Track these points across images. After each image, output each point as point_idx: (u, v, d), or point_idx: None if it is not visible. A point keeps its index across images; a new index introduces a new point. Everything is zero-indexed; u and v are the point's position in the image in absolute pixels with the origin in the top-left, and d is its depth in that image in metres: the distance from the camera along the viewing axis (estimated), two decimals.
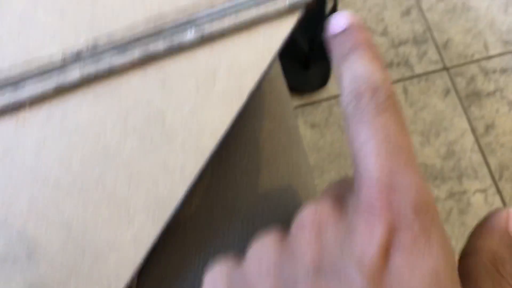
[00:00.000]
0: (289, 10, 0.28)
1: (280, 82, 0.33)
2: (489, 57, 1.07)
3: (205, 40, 0.28)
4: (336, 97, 1.02)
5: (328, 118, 1.01)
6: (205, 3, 0.28)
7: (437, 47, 1.07)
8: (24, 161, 0.26)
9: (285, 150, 0.30)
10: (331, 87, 1.03)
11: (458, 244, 0.94)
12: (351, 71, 0.22)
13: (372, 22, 1.08)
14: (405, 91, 1.03)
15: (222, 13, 0.28)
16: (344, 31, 0.25)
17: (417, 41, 1.07)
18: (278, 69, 0.34)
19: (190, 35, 0.27)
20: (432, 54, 1.06)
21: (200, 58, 0.27)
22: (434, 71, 1.05)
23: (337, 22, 0.26)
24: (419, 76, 1.05)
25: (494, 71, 1.06)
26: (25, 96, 0.27)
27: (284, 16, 0.28)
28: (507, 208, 0.22)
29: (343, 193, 0.21)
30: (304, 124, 1.01)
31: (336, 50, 0.25)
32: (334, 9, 1.04)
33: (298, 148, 0.32)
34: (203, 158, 0.26)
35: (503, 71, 1.06)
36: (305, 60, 1.02)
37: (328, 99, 1.03)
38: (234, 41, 0.28)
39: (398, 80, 1.04)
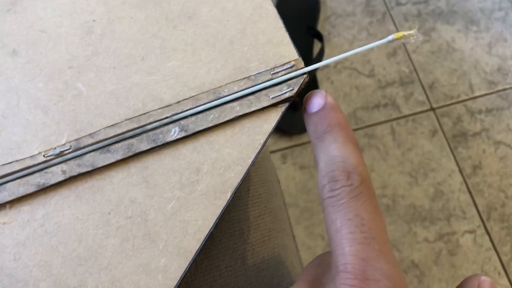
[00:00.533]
0: (273, 105, 0.29)
1: (267, 164, 0.33)
2: (474, 98, 1.08)
3: (188, 136, 0.28)
4: None
5: None
6: (190, 100, 0.28)
7: (423, 88, 1.08)
8: (3, 264, 0.26)
9: (271, 235, 0.30)
10: None
11: (448, 287, 0.94)
12: (326, 153, 0.23)
13: (358, 63, 1.10)
14: (393, 132, 1.04)
15: (206, 110, 0.28)
16: (319, 111, 0.26)
17: (404, 82, 1.09)
18: (265, 152, 0.34)
19: (174, 133, 0.27)
20: (419, 95, 1.07)
21: (184, 154, 0.27)
22: (421, 112, 1.06)
23: (313, 102, 0.26)
24: (406, 117, 1.06)
25: (480, 112, 1.07)
26: (5, 197, 0.26)
27: (267, 111, 0.28)
28: (479, 275, 0.23)
29: (319, 277, 0.21)
30: (293, 166, 1.01)
31: (311, 130, 0.25)
32: (321, 52, 1.05)
33: (284, 227, 0.32)
34: (186, 260, 0.26)
35: (488, 111, 1.07)
36: (293, 103, 1.02)
37: None
38: (218, 136, 0.28)
39: (386, 121, 1.05)
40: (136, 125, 0.27)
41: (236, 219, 0.30)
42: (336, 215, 0.21)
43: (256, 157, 0.28)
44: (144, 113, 0.28)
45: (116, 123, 0.28)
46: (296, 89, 0.29)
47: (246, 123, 0.28)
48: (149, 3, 0.31)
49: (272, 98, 0.28)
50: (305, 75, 0.29)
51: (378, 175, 1.01)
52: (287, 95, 0.29)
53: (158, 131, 0.27)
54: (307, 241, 0.96)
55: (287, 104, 0.29)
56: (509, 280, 0.95)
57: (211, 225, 0.26)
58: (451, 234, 0.98)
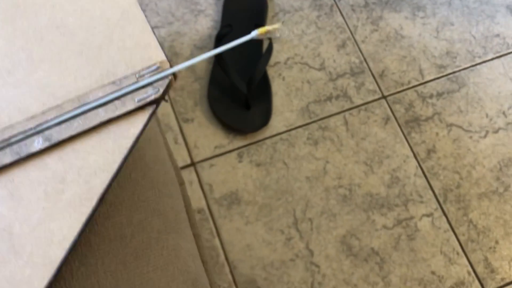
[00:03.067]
0: (139, 108, 0.29)
1: (159, 166, 0.34)
2: (425, 83, 1.09)
3: (54, 146, 0.28)
4: (279, 134, 1.03)
5: (272, 155, 1.02)
6: (54, 109, 0.28)
7: (373, 77, 1.09)
8: None
9: (159, 237, 0.31)
10: (273, 125, 1.04)
11: (409, 271, 0.95)
12: None
13: (309, 57, 1.10)
14: (346, 122, 1.05)
15: (71, 118, 0.28)
16: None
17: (354, 72, 1.09)
18: (160, 152, 0.34)
19: (38, 144, 0.28)
20: (369, 84, 1.08)
21: (49, 164, 0.28)
22: (372, 101, 1.07)
23: None
24: (358, 106, 1.07)
25: (431, 96, 1.08)
26: None
27: (134, 114, 0.29)
28: None
29: None
30: (250, 164, 1.01)
31: None
32: (269, 49, 1.05)
33: (179, 228, 0.32)
34: (51, 269, 0.26)
35: (439, 94, 1.08)
36: (245, 101, 1.03)
37: (271, 137, 1.03)
38: (83, 144, 0.28)
39: (338, 113, 1.06)
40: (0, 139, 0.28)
41: (118, 224, 0.31)
42: None
43: (123, 162, 0.28)
44: (9, 126, 0.28)
45: None
46: (162, 90, 0.29)
47: (112, 128, 0.28)
48: (16, 16, 0.31)
49: (138, 101, 0.29)
50: (170, 76, 0.29)
51: (333, 166, 1.02)
52: (153, 97, 0.29)
53: (22, 143, 0.27)
54: (267, 237, 0.96)
55: (154, 106, 0.29)
56: (467, 259, 0.96)
57: (76, 232, 0.26)
58: (409, 219, 0.99)
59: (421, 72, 1.10)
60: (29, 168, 0.27)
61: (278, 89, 1.08)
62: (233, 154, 1.03)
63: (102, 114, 0.28)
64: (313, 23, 1.14)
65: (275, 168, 1.01)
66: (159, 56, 0.29)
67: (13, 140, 0.27)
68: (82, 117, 0.28)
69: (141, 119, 0.28)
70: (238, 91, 1.03)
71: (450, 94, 1.09)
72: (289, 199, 0.99)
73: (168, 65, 0.29)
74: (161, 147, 0.31)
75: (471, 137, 1.05)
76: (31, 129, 0.28)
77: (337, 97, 1.07)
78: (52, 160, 0.27)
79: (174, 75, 0.29)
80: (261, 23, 1.11)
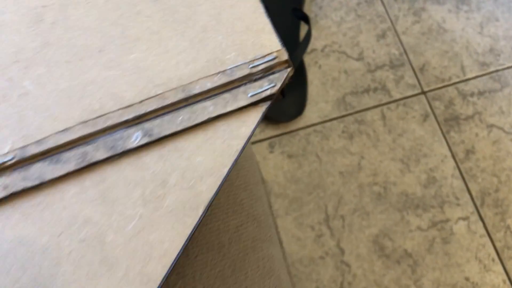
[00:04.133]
0: (252, 104, 0.25)
1: (249, 164, 0.30)
2: (466, 80, 1.05)
3: (154, 142, 0.24)
4: (313, 125, 0.99)
5: (305, 147, 0.98)
6: (154, 99, 0.24)
7: (414, 70, 1.05)
8: None
9: (255, 245, 0.27)
10: (307, 116, 1.00)
11: (442, 275, 0.91)
12: None
13: (347, 46, 1.05)
14: (383, 117, 1.00)
15: (174, 110, 0.24)
16: None
17: (394, 65, 1.05)
18: (247, 149, 0.30)
19: (136, 139, 0.23)
20: (409, 78, 1.04)
21: (148, 164, 0.23)
22: (412, 96, 1.03)
23: None
24: (396, 101, 1.02)
25: (472, 94, 1.04)
26: None
27: (246, 111, 0.24)
28: None
29: None
30: (281, 155, 0.97)
31: None
32: (308, 36, 1.00)
33: (270, 235, 0.28)
34: None
35: (481, 93, 1.04)
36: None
37: (304, 128, 0.99)
38: (188, 142, 0.24)
39: (376, 106, 1.01)
40: (91, 130, 0.23)
41: (215, 230, 0.27)
42: None
43: (232, 166, 0.24)
44: (101, 115, 0.24)
45: (69, 128, 0.23)
46: (279, 85, 0.25)
47: (221, 126, 0.24)
48: None
49: (251, 96, 0.24)
50: (289, 69, 0.25)
51: (368, 162, 0.97)
52: (269, 92, 0.25)
53: (117, 136, 0.23)
54: (296, 232, 0.93)
55: (268, 103, 0.25)
56: (503, 266, 0.93)
57: (179, 247, 0.22)
58: (444, 222, 0.95)
59: (462, 68, 1.06)
60: (123, 167, 0.23)
61: (313, 77, 1.03)
62: (265, 143, 0.98)
63: (211, 109, 0.24)
64: (353, 10, 1.09)
65: (308, 161, 0.97)
66: (274, 43, 0.25)
67: (107, 132, 0.23)
68: (188, 110, 0.24)
69: (253, 117, 0.24)
70: None
71: (492, 94, 1.04)
72: (321, 194, 0.95)
73: (286, 55, 0.25)
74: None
75: None
76: (128, 121, 0.23)
77: (375, 89, 1.03)
78: (151, 159, 0.23)
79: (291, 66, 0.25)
80: (299, 6, 1.06)
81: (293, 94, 1.00)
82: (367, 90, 1.03)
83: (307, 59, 1.04)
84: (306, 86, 1.01)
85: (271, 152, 0.97)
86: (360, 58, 1.05)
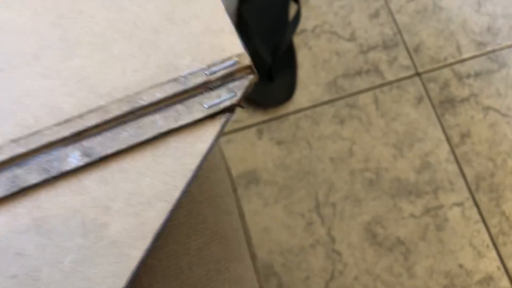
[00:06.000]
0: (209, 116, 0.22)
1: (215, 175, 0.27)
2: (462, 60, 1.01)
3: (95, 163, 0.21)
4: (303, 110, 0.96)
5: (295, 133, 0.95)
6: (96, 113, 0.21)
7: (408, 51, 1.01)
8: None
9: (220, 268, 0.24)
10: (297, 100, 0.97)
11: (435, 263, 0.90)
12: None
13: (338, 26, 1.02)
14: (376, 100, 0.97)
15: (119, 124, 0.21)
16: None
17: (387, 45, 1.01)
18: (214, 155, 0.27)
19: (74, 159, 0.20)
20: (403, 59, 1.00)
21: (87, 187, 0.21)
22: (405, 78, 0.99)
23: None
24: (390, 83, 0.99)
25: (468, 75, 1.00)
26: None
27: (202, 124, 0.22)
28: None
29: None
30: (270, 141, 0.94)
31: None
32: (297, 15, 0.97)
33: (238, 254, 0.26)
34: None
35: (477, 74, 1.00)
36: (269, 72, 0.95)
37: (294, 112, 0.96)
38: (134, 162, 0.21)
39: (368, 89, 0.98)
40: (23, 149, 0.20)
41: (173, 255, 0.24)
42: None
43: (186, 188, 0.21)
44: (35, 132, 0.21)
45: None
46: (240, 95, 0.22)
47: (173, 142, 0.21)
48: None
49: (207, 107, 0.21)
50: (251, 76, 0.22)
51: (360, 148, 0.95)
52: (228, 103, 0.22)
53: (52, 157, 0.20)
54: (286, 220, 0.91)
55: (228, 115, 0.22)
56: (498, 253, 0.91)
57: (123, 283, 0.20)
58: (438, 208, 0.93)
59: (458, 48, 1.02)
60: (61, 192, 0.20)
61: (303, 60, 1.00)
62: (253, 129, 0.95)
63: (160, 123, 0.21)
64: None
65: (298, 147, 0.94)
66: (235, 46, 0.22)
67: (41, 152, 0.20)
68: (134, 125, 0.21)
69: (210, 131, 0.21)
70: (261, 60, 0.95)
71: (488, 75, 1.01)
72: (311, 181, 0.93)
73: (248, 59, 0.22)
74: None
75: (508, 123, 0.98)
76: (65, 138, 0.20)
77: (368, 71, 1.00)
78: (92, 182, 0.20)
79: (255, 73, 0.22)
80: None
81: (282, 78, 0.96)
82: (359, 72, 0.99)
83: (297, 40, 1.01)
84: (295, 69, 0.97)
85: (259, 138, 0.95)
86: (352, 38, 1.01)
